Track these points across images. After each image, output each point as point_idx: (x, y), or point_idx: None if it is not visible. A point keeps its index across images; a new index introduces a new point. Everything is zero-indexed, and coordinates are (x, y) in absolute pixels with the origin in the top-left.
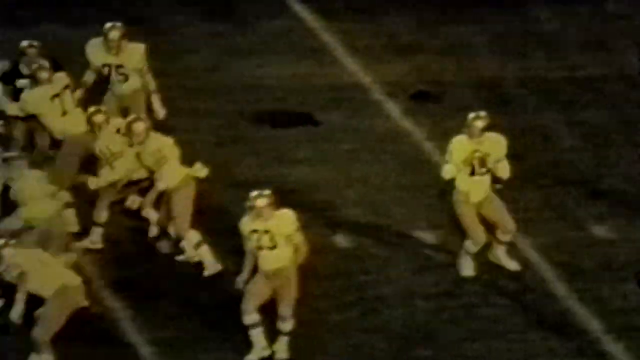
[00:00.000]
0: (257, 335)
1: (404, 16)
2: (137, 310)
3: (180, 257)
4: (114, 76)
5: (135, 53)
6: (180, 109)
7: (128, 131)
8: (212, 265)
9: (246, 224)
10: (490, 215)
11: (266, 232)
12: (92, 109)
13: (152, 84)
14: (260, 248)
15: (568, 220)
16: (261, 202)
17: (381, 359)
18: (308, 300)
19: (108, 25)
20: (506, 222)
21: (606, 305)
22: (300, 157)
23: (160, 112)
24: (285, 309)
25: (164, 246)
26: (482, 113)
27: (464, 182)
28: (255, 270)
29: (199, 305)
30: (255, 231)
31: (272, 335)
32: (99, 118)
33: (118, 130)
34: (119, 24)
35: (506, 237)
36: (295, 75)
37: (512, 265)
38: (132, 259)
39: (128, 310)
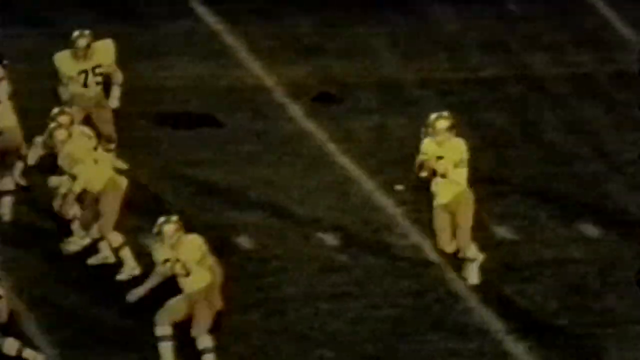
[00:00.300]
0: (166, 349)
1: (307, 18)
2: (42, 311)
3: (92, 260)
4: (91, 79)
5: (107, 49)
6: None
7: (50, 137)
8: (131, 268)
9: (158, 253)
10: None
11: (177, 260)
12: (56, 109)
13: (119, 76)
14: (175, 275)
15: None
16: (169, 229)
17: None
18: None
19: (76, 34)
20: (460, 237)
21: (508, 305)
22: (202, 159)
23: (115, 102)
24: (197, 329)
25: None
26: (445, 113)
27: (433, 184)
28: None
29: (109, 308)
30: (167, 260)
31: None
32: (64, 119)
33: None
34: (86, 32)
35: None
36: (198, 76)
37: (472, 278)
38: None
39: (33, 312)
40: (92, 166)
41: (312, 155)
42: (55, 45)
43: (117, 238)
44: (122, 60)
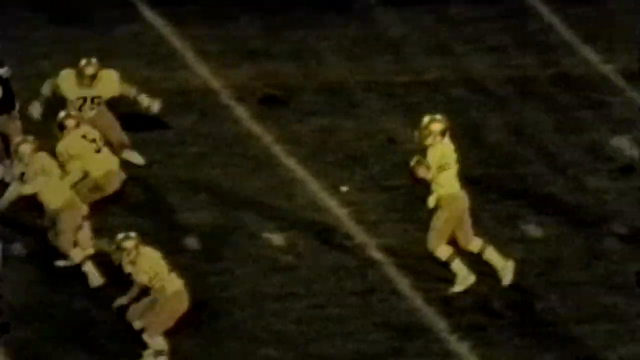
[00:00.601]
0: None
1: (253, 22)
2: None
3: (60, 263)
4: (88, 106)
5: (111, 80)
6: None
7: (15, 152)
8: (95, 279)
9: (124, 267)
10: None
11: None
12: (62, 113)
13: (132, 91)
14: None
15: (413, 222)
16: (129, 244)
17: (230, 359)
18: None
19: (83, 62)
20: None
21: (451, 305)
22: (150, 161)
23: (155, 105)
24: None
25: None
26: (438, 116)
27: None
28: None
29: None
30: (130, 275)
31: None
32: (70, 122)
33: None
34: (93, 60)
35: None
36: (146, 79)
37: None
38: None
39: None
40: (55, 182)
41: (258, 157)
42: (6, 50)
43: (78, 254)
44: (71, 63)
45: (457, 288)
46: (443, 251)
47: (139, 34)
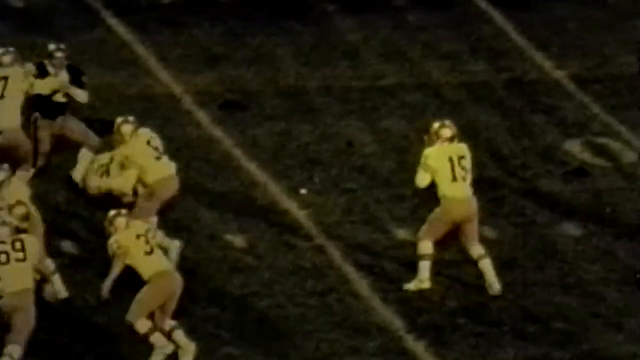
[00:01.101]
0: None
1: (213, 28)
2: None
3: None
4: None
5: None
6: None
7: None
8: (62, 291)
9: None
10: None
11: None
12: (120, 119)
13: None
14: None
15: (372, 223)
16: (120, 222)
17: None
18: (126, 302)
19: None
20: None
21: (409, 305)
22: None
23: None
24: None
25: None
26: (447, 122)
27: (447, 188)
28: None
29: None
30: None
31: None
32: (127, 128)
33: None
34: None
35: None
36: (109, 85)
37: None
38: None
39: None
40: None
41: (219, 161)
42: None
43: (49, 265)
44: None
45: (410, 287)
46: (424, 246)
47: (102, 40)
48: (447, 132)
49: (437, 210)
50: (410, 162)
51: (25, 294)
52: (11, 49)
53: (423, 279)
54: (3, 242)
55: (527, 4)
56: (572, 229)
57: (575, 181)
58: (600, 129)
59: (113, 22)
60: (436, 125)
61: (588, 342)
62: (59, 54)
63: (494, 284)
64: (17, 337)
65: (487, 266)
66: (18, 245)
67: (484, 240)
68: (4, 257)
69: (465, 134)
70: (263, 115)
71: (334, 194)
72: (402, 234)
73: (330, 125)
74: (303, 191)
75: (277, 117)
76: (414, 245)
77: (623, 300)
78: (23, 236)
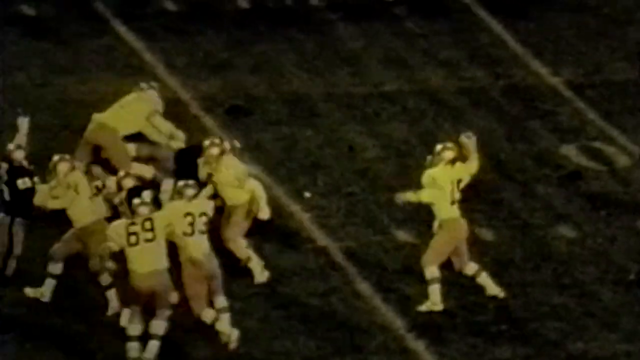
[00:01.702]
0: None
1: (219, 36)
2: None
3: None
4: None
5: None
6: (7, 124)
7: (53, 169)
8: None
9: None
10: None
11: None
12: (208, 141)
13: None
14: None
15: (373, 225)
16: (190, 192)
17: (199, 355)
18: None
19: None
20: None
21: (409, 304)
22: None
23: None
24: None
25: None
26: (449, 144)
27: (448, 210)
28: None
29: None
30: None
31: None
32: (215, 150)
33: None
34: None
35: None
36: (117, 91)
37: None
38: None
39: None
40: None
41: None
42: None
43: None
44: (48, 75)
45: (423, 308)
46: (432, 271)
47: (110, 47)
48: (449, 154)
49: (439, 234)
50: (411, 167)
51: (157, 275)
52: None
53: (435, 302)
54: (133, 223)
55: (523, 12)
56: (567, 231)
57: (571, 184)
58: (595, 134)
59: (121, 29)
60: (439, 147)
61: (583, 340)
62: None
63: (499, 293)
64: (160, 314)
65: (485, 280)
66: (147, 224)
67: (480, 242)
68: (133, 238)
69: None
70: (267, 120)
71: (336, 196)
72: (402, 235)
73: (332, 130)
74: (307, 194)
75: (281, 122)
76: (414, 246)
77: (617, 300)
78: (154, 214)
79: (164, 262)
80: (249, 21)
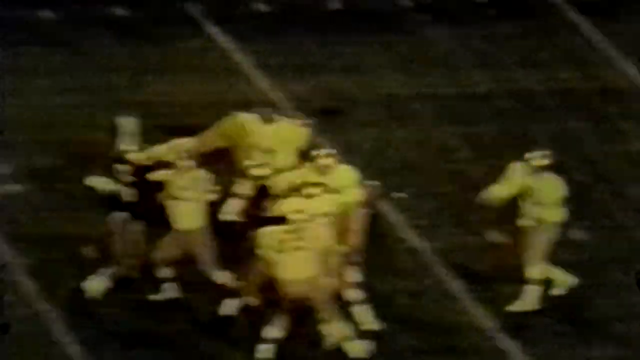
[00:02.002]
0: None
1: (310, 37)
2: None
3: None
4: None
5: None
6: (100, 124)
7: None
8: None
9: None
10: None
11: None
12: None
13: None
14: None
15: (464, 226)
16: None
17: None
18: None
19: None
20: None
21: (500, 305)
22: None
23: None
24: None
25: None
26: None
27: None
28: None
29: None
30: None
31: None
32: (327, 161)
33: None
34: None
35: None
36: (208, 92)
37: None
38: None
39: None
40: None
41: None
42: (74, 62)
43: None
44: (140, 76)
45: (515, 307)
46: (536, 272)
47: (202, 49)
48: (538, 162)
49: (540, 235)
50: (501, 168)
51: (308, 282)
52: None
53: (531, 303)
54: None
55: (613, 13)
56: None
57: None
58: None
59: (213, 30)
60: (530, 154)
61: None
62: None
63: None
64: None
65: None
66: (299, 233)
67: (571, 242)
68: (283, 245)
69: (555, 139)
70: (360, 122)
71: (427, 197)
72: (493, 236)
73: (423, 131)
74: (399, 195)
75: (374, 123)
76: (503, 246)
77: None
78: (307, 225)
79: (314, 269)
80: (341, 23)
